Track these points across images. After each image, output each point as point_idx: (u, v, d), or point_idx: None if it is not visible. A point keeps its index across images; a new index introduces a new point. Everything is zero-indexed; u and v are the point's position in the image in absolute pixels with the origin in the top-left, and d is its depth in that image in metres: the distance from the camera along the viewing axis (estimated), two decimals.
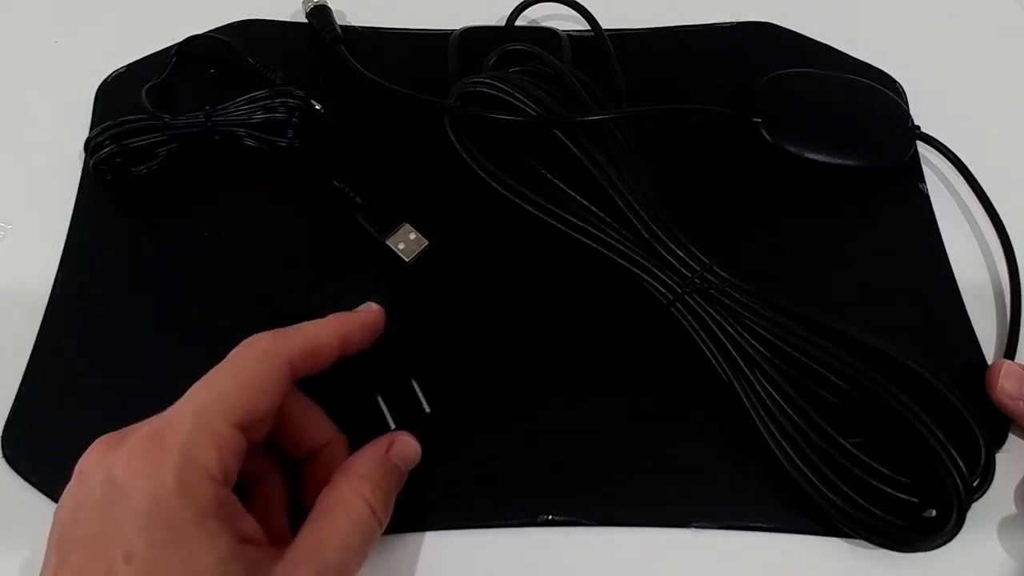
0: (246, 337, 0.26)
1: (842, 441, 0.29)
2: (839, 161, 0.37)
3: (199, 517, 0.22)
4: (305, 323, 0.27)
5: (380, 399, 0.31)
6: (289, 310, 0.29)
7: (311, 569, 0.24)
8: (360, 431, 0.29)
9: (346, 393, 0.29)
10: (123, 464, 0.23)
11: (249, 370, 0.25)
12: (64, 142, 0.38)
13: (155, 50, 0.41)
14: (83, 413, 0.31)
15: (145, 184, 0.37)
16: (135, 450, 0.23)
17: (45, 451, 0.30)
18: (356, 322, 0.29)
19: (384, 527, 0.26)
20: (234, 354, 0.26)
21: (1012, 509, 0.31)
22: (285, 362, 0.26)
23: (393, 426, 0.30)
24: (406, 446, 0.28)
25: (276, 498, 0.28)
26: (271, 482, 0.28)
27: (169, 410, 0.24)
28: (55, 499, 0.29)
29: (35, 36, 0.42)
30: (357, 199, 0.36)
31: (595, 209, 0.33)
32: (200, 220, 0.36)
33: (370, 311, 0.29)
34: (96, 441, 0.24)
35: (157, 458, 0.23)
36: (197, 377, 0.25)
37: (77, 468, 0.24)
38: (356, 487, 0.26)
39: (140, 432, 0.24)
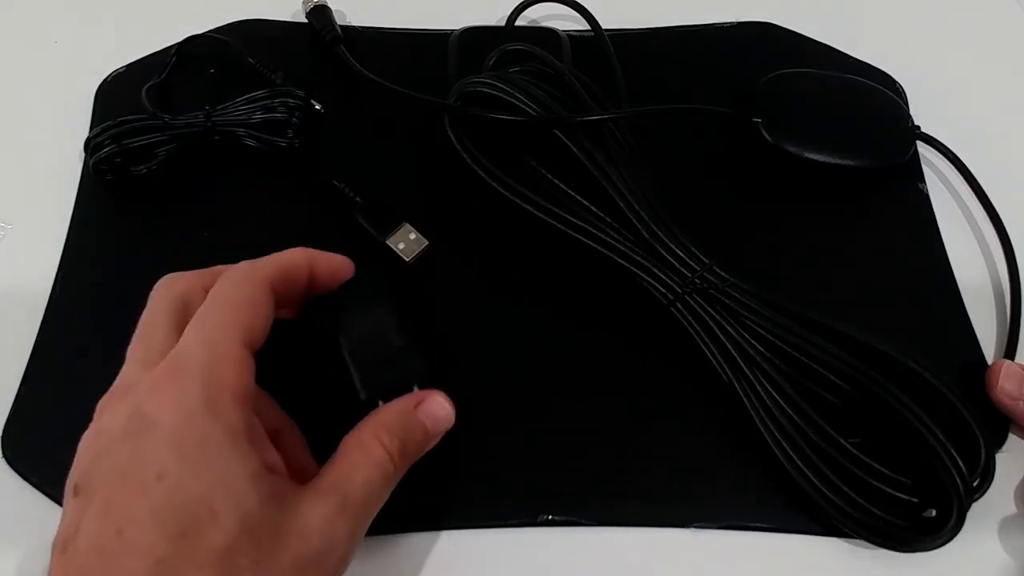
0: None
1: (842, 441, 0.29)
2: (839, 161, 0.37)
3: (230, 434, 0.23)
4: (273, 253, 0.28)
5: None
6: None
7: (336, 499, 0.24)
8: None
9: (349, 401, 0.29)
10: (146, 397, 0.23)
11: (236, 294, 0.26)
12: (64, 142, 0.38)
13: (155, 50, 0.41)
14: (83, 413, 0.31)
15: (145, 184, 0.36)
16: (157, 382, 0.24)
17: (45, 451, 0.30)
18: (322, 254, 0.29)
19: (398, 477, 0.26)
20: (215, 289, 0.26)
21: (1012, 509, 0.31)
22: (266, 282, 0.27)
23: None
24: (436, 406, 0.28)
25: (296, 443, 0.28)
26: (289, 431, 0.29)
27: (174, 350, 0.25)
28: (55, 499, 0.29)
29: (35, 36, 0.42)
30: (357, 199, 0.36)
31: (595, 209, 0.33)
32: (200, 220, 0.36)
33: (336, 255, 0.30)
34: (104, 397, 0.25)
35: (181, 385, 0.23)
36: None
37: (96, 415, 0.25)
38: (375, 431, 0.26)
39: (157, 370, 0.24)
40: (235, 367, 0.24)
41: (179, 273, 0.28)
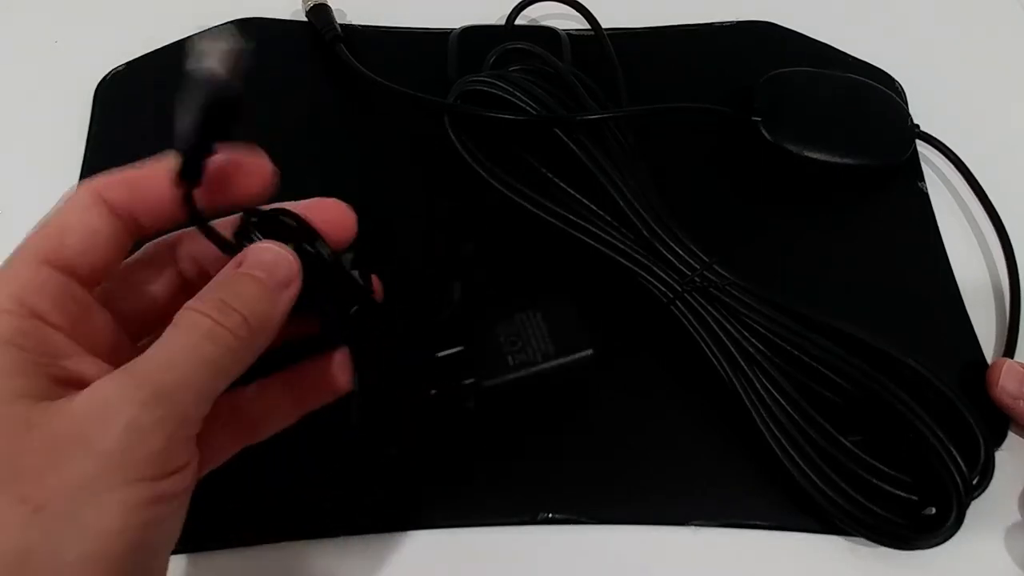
0: None
1: (842, 439, 0.29)
2: (839, 160, 0.38)
3: None
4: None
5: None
6: None
7: (135, 381, 0.20)
8: None
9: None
10: None
11: (54, 214, 0.23)
12: (64, 141, 0.38)
13: (154, 48, 0.41)
14: None
15: None
16: None
17: None
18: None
19: (247, 345, 0.22)
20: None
21: (1012, 507, 0.31)
22: (92, 193, 0.23)
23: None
24: (260, 252, 0.23)
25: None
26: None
27: None
28: None
29: (35, 36, 0.42)
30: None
31: (595, 207, 0.33)
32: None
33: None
34: None
35: None
36: None
37: None
38: (189, 307, 0.22)
39: None
40: (6, 285, 0.21)
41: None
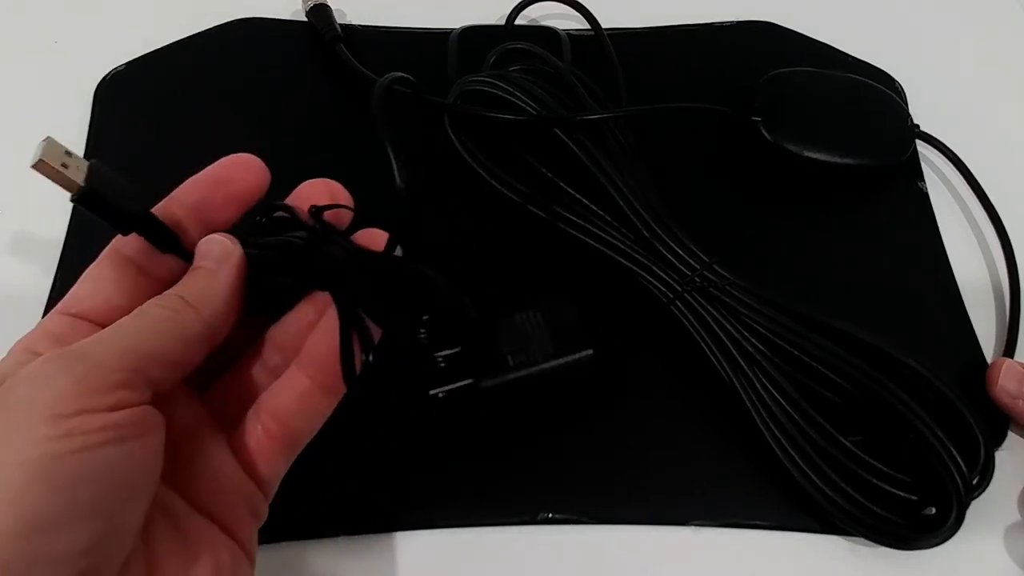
0: None
1: (842, 439, 0.29)
2: (838, 160, 0.38)
3: None
4: None
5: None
6: None
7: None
8: None
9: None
10: None
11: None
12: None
13: (154, 48, 0.41)
14: None
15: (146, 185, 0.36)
16: None
17: None
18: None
19: (204, 315, 0.24)
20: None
21: (1012, 507, 0.31)
22: (110, 254, 0.25)
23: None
24: (207, 243, 0.25)
25: None
26: None
27: None
28: None
29: (35, 36, 0.42)
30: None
31: (595, 207, 0.33)
32: None
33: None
34: None
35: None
36: None
37: None
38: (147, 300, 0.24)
39: None
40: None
41: None
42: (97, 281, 0.25)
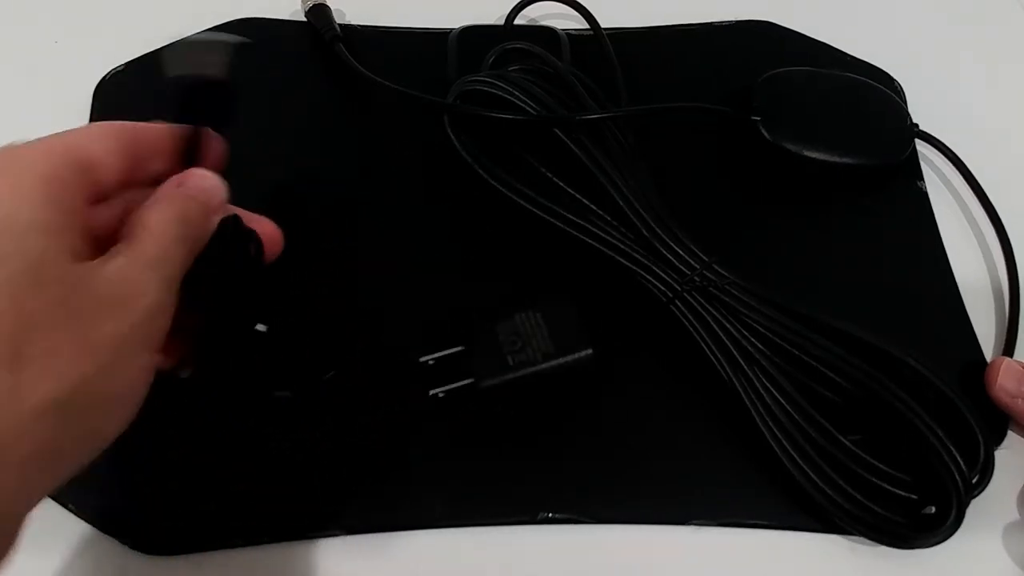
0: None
1: (841, 438, 0.29)
2: (838, 159, 0.38)
3: (24, 191, 0.22)
4: None
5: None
6: None
7: (131, 254, 0.23)
8: None
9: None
10: None
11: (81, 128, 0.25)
12: None
13: (154, 48, 0.41)
14: None
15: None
16: None
17: None
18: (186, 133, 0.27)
19: (189, 249, 0.25)
20: None
21: (1011, 506, 0.31)
22: (111, 127, 0.26)
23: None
24: (199, 178, 0.26)
25: None
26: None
27: None
28: (59, 500, 0.29)
29: (35, 36, 0.42)
30: None
31: (594, 207, 0.33)
32: None
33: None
34: None
35: None
36: None
37: None
38: (147, 209, 0.24)
39: None
40: (53, 158, 0.23)
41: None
42: (107, 152, 0.25)
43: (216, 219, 0.26)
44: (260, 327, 0.28)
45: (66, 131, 0.24)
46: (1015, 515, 0.31)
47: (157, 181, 0.26)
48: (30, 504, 0.21)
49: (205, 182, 0.26)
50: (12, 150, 0.23)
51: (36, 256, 0.21)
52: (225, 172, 0.27)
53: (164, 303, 0.23)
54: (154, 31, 0.41)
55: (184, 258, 0.25)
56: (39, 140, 0.24)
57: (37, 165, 0.23)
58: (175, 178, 0.26)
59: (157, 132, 0.26)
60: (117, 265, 0.23)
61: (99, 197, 0.25)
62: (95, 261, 0.22)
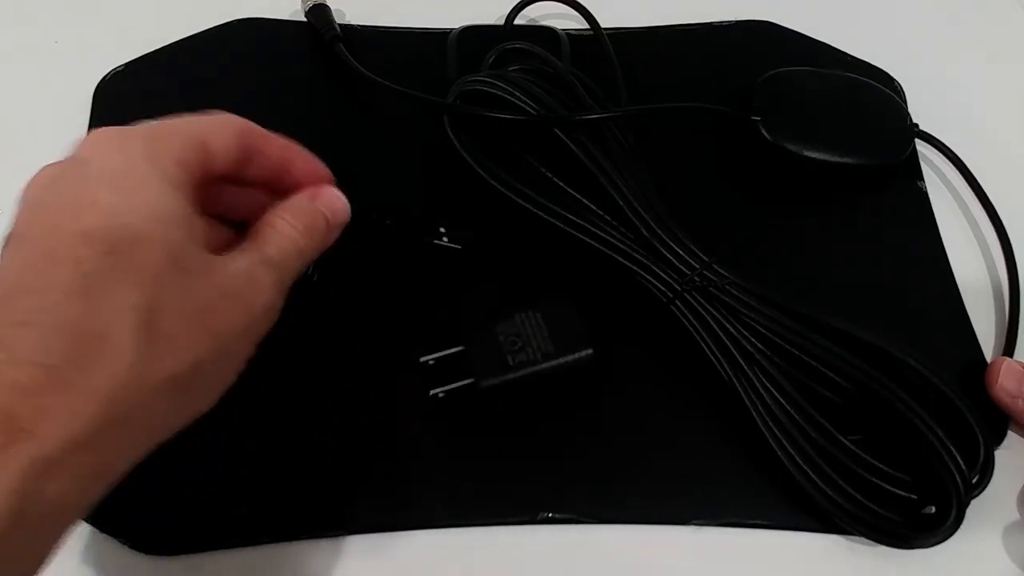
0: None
1: (841, 438, 0.29)
2: (838, 159, 0.38)
3: (167, 179, 0.23)
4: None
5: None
6: None
7: (255, 254, 0.25)
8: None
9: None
10: (86, 145, 0.24)
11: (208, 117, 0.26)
12: (63, 141, 0.38)
13: (154, 48, 0.41)
14: None
15: None
16: (99, 136, 0.24)
17: None
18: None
19: (309, 255, 0.27)
20: None
21: (1011, 506, 0.31)
22: (243, 125, 0.27)
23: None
24: (332, 196, 0.28)
25: None
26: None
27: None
28: None
29: (35, 36, 0.42)
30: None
31: (594, 207, 0.33)
32: None
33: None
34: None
35: (123, 138, 0.24)
36: None
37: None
38: (279, 215, 0.26)
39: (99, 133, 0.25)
40: (182, 141, 0.24)
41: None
42: (227, 151, 0.26)
43: (335, 236, 0.28)
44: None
45: (191, 118, 0.26)
46: (1015, 515, 0.31)
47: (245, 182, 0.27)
48: (129, 464, 0.22)
49: (337, 202, 0.28)
50: (147, 129, 0.25)
51: (178, 245, 0.22)
52: None
53: (276, 304, 0.25)
54: (155, 31, 0.41)
55: (301, 268, 0.27)
56: (166, 123, 0.25)
57: (174, 150, 0.24)
58: (310, 190, 0.28)
59: (276, 146, 0.28)
60: (244, 263, 0.24)
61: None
62: (225, 256, 0.24)
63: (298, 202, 0.27)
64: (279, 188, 0.28)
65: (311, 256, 0.27)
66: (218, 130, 0.26)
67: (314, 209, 0.28)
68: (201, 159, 0.25)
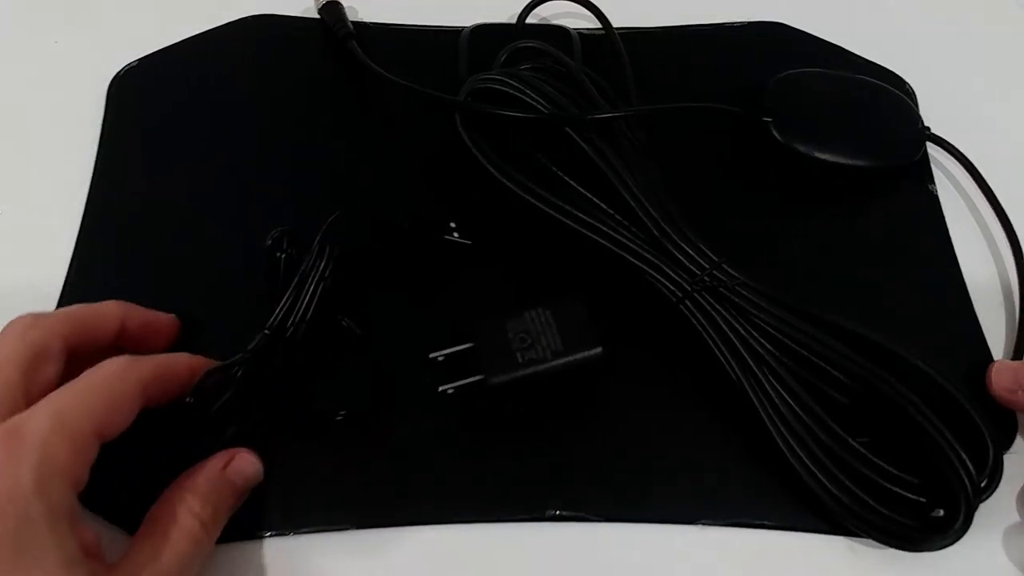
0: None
1: (850, 440, 0.29)
2: (849, 161, 0.38)
3: (51, 517, 0.22)
4: (158, 355, 0.28)
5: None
6: None
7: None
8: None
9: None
10: None
11: (106, 384, 0.25)
12: (76, 138, 0.38)
13: (166, 44, 0.41)
14: None
15: (153, 184, 0.37)
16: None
17: None
18: (206, 363, 0.29)
19: (213, 542, 0.27)
20: (89, 372, 0.26)
21: (1012, 507, 0.31)
22: (139, 383, 0.26)
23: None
24: (245, 463, 0.29)
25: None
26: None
27: (21, 416, 0.24)
28: None
29: (44, 33, 0.42)
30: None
31: (605, 206, 0.33)
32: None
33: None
34: None
35: (15, 455, 0.23)
36: None
37: None
38: (185, 500, 0.26)
39: None
40: (73, 451, 0.24)
41: (36, 316, 0.27)
42: (130, 417, 0.26)
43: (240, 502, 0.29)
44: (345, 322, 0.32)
45: (93, 395, 0.25)
46: (1015, 516, 0.31)
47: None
48: None
49: (251, 468, 0.29)
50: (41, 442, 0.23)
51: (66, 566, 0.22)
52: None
53: None
54: (168, 27, 0.41)
55: (200, 563, 0.27)
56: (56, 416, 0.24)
57: (65, 469, 0.23)
58: (221, 456, 0.28)
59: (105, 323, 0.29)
60: None
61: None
62: (107, 571, 0.24)
63: (206, 475, 0.27)
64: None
65: (212, 542, 0.27)
66: (119, 415, 0.25)
67: (225, 483, 0.28)
68: (93, 458, 0.24)
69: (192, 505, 0.26)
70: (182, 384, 0.28)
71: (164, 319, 0.32)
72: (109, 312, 0.29)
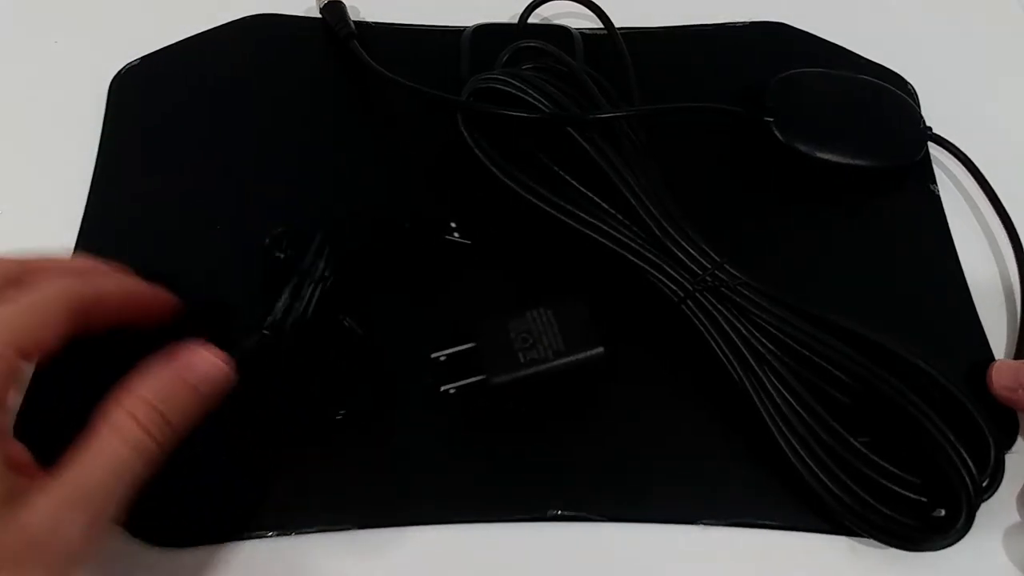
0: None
1: (852, 440, 0.29)
2: (850, 161, 0.38)
3: None
4: (107, 279, 0.28)
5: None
6: None
7: (68, 491, 0.23)
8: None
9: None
10: None
11: (35, 303, 0.24)
12: (76, 136, 0.38)
13: (166, 44, 0.41)
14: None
15: (153, 184, 0.37)
16: None
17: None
18: (146, 291, 0.28)
19: (163, 451, 0.24)
20: (22, 291, 0.25)
21: (1012, 507, 0.31)
22: (68, 304, 0.25)
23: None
24: (197, 358, 0.25)
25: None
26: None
27: None
28: None
29: (45, 32, 0.42)
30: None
31: (607, 206, 0.33)
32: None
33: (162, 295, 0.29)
34: None
35: None
36: None
37: None
38: (128, 405, 0.24)
39: None
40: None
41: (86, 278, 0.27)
42: (59, 338, 0.25)
43: (214, 402, 0.26)
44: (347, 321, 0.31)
45: (17, 316, 0.24)
46: (1015, 517, 0.31)
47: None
48: None
49: (207, 365, 0.25)
50: None
51: None
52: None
53: (88, 543, 0.23)
54: (169, 26, 0.41)
55: (143, 474, 0.24)
56: None
57: None
58: (171, 354, 0.25)
59: (113, 297, 0.27)
60: (36, 508, 0.22)
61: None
62: (18, 504, 0.22)
63: (155, 375, 0.25)
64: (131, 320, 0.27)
65: (167, 449, 0.24)
66: (46, 335, 0.24)
67: (178, 384, 0.25)
68: (16, 374, 0.24)
69: (136, 410, 0.24)
70: (130, 312, 0.27)
71: (165, 300, 0.30)
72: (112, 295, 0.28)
